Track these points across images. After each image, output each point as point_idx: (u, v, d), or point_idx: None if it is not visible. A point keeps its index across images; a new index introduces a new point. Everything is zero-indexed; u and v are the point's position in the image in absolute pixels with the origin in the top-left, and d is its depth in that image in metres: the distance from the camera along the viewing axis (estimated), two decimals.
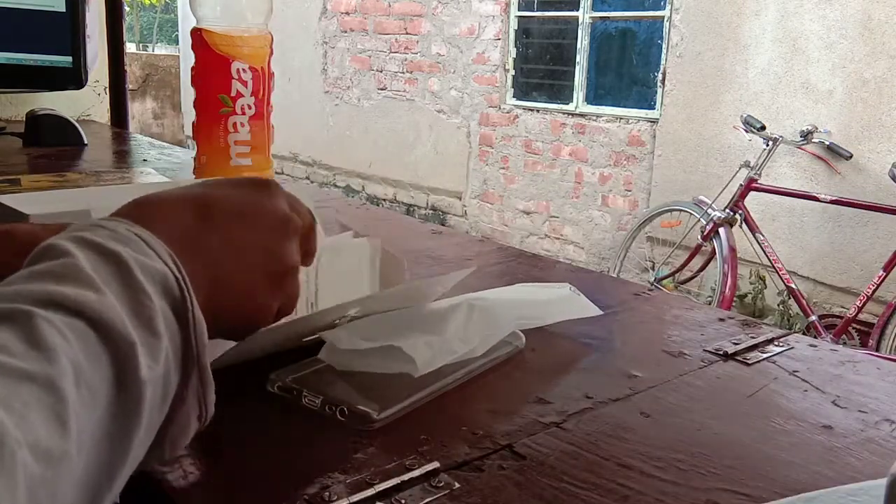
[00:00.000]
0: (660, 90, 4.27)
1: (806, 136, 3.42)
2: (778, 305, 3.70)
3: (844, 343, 3.07)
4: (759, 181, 3.35)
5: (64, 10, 1.31)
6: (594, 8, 4.62)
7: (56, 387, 0.26)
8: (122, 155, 1.44)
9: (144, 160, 1.31)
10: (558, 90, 4.86)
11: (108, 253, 0.32)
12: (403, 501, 0.37)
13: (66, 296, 0.29)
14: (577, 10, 4.67)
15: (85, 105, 1.86)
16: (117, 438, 0.29)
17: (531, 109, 4.91)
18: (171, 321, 0.33)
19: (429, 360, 0.46)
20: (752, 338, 0.61)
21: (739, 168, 3.42)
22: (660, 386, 0.52)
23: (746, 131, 3.46)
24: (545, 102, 4.90)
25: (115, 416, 0.29)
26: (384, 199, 5.92)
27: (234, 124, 0.95)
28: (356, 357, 0.47)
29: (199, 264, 0.37)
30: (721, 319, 0.66)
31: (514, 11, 4.99)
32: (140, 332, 0.30)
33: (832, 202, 3.28)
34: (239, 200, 0.42)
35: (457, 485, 0.38)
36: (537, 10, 4.94)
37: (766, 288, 3.75)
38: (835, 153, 3.47)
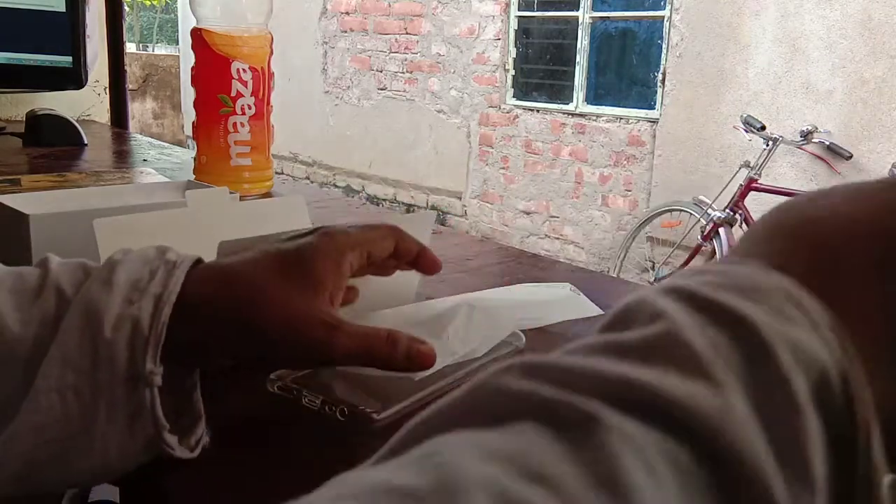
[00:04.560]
0: (660, 90, 4.27)
1: (806, 136, 3.41)
2: None
3: None
4: (759, 181, 3.35)
5: (64, 10, 1.31)
6: (594, 8, 4.63)
7: None
8: (122, 155, 1.44)
9: (144, 160, 1.31)
10: (558, 90, 4.86)
11: (733, 319, 0.20)
12: None
13: (657, 390, 0.17)
14: (577, 10, 4.67)
15: (85, 105, 1.85)
16: None
17: (531, 109, 4.91)
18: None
19: None
20: None
21: (739, 168, 3.42)
22: None
23: (746, 131, 3.46)
24: (545, 102, 4.90)
25: None
26: (384, 199, 5.92)
27: (234, 124, 0.95)
28: None
29: None
30: None
31: (514, 11, 4.99)
32: (783, 468, 0.17)
33: None
34: None
35: None
36: (537, 10, 4.94)
37: None
38: (835, 153, 3.47)
